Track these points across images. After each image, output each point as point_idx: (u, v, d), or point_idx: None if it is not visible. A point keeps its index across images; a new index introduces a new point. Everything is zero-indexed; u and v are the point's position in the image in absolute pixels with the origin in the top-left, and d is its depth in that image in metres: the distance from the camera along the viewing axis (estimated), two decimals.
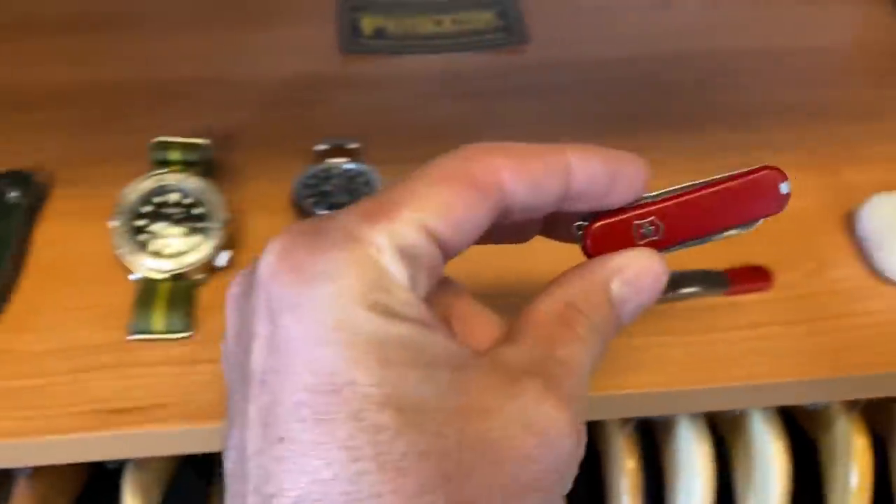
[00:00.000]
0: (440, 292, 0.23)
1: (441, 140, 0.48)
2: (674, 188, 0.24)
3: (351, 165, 0.45)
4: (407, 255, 0.20)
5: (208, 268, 0.41)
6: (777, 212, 0.25)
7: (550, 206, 0.22)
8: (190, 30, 0.56)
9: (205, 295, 0.41)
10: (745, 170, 0.25)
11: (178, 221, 0.42)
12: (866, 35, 0.59)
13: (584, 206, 0.23)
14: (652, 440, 0.53)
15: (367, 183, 0.44)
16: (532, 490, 0.19)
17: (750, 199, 0.24)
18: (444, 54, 0.55)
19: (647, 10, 0.60)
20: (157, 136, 0.45)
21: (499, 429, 0.19)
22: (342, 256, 0.19)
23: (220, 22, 0.57)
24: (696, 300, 0.42)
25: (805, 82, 0.55)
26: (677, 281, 0.42)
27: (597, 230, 0.23)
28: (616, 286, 0.23)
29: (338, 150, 0.46)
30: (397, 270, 0.20)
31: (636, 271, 0.23)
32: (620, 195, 0.23)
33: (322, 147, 0.46)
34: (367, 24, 0.57)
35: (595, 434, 0.52)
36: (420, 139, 0.49)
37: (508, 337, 0.22)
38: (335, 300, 0.19)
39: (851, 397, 0.44)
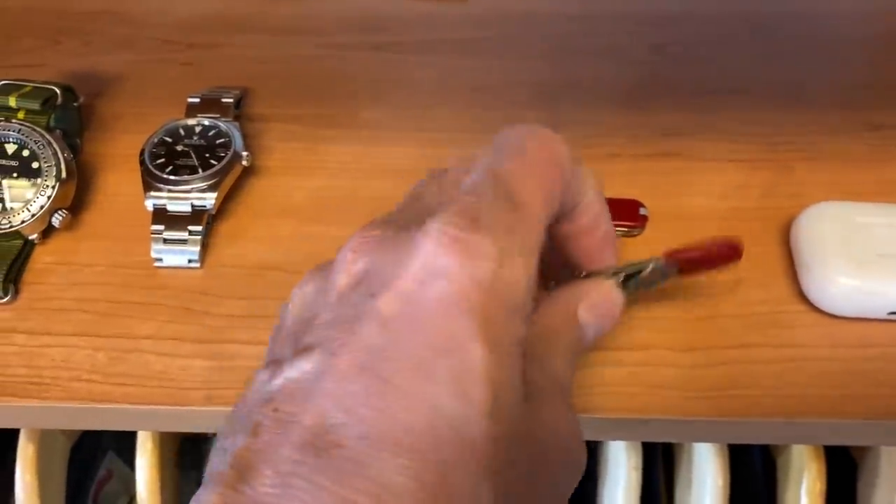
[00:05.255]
0: None
1: (330, 99, 0.43)
2: None
3: (207, 122, 0.40)
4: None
5: (41, 228, 0.38)
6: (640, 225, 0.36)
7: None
8: None
9: (36, 257, 0.38)
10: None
11: (12, 174, 0.38)
12: None
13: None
14: None
15: (226, 145, 0.39)
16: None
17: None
18: None
19: None
20: (37, 75, 0.41)
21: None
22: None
23: None
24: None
25: (786, 56, 0.47)
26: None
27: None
28: (581, 310, 0.26)
29: (210, 104, 0.41)
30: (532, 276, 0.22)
31: (596, 299, 0.26)
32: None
33: (194, 100, 0.41)
34: None
35: None
36: (312, 95, 0.44)
37: None
38: (486, 285, 0.21)
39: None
